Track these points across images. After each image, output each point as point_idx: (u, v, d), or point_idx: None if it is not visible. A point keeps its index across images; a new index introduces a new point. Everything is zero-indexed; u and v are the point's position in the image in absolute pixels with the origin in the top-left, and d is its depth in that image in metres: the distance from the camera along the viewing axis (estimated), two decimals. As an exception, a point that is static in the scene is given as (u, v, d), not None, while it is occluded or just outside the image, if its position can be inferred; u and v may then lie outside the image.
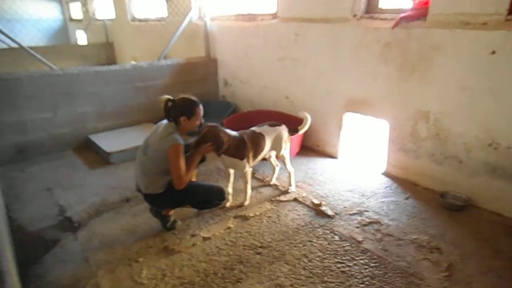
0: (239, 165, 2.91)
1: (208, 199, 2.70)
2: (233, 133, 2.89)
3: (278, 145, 3.14)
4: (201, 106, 2.58)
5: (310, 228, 2.75)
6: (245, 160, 2.90)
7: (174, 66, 5.26)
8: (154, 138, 2.53)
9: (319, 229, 2.73)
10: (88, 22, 10.19)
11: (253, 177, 3.61)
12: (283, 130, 3.16)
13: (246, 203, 3.07)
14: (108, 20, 9.06)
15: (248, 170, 2.98)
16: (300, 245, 2.55)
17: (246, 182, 3.03)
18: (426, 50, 3.05)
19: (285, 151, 3.20)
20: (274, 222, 2.84)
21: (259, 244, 2.56)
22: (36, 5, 11.34)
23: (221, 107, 5.36)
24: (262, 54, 4.72)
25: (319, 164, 3.92)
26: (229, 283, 2.21)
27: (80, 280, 2.25)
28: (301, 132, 3.28)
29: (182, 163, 2.46)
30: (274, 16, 4.50)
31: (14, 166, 4.00)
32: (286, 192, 3.28)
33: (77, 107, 4.49)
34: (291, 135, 3.25)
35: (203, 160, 2.82)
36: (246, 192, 3.07)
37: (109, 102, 4.76)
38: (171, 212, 2.78)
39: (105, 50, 9.50)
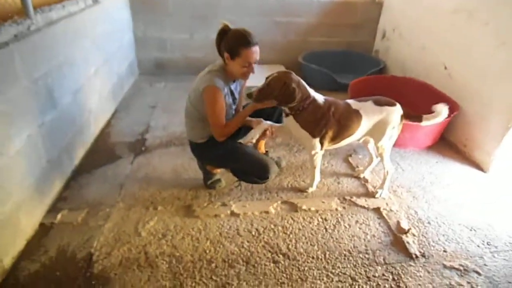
0: (306, 142, 2.17)
1: (249, 172, 2.16)
2: (317, 95, 2.13)
3: (380, 132, 2.17)
4: (254, 49, 1.92)
5: (367, 259, 1.90)
6: (317, 138, 2.14)
7: (326, 3, 4.45)
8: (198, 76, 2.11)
9: (379, 267, 1.85)
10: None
11: (346, 160, 2.79)
12: (394, 112, 2.15)
13: (310, 190, 2.38)
14: None
15: (319, 153, 2.21)
16: (335, 279, 1.78)
17: (313, 167, 2.29)
18: None
19: (388, 141, 2.23)
20: (325, 228, 2.09)
21: (284, 250, 1.93)
22: None
23: (366, 62, 4.39)
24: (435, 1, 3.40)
25: (451, 172, 2.71)
26: (213, 281, 1.73)
27: (100, 205, 2.20)
28: (424, 123, 2.21)
29: (219, 108, 1.97)
30: None
31: (150, 78, 4.34)
32: (371, 195, 2.39)
33: (211, 33, 4.32)
34: (408, 120, 2.23)
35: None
36: (313, 178, 2.35)
37: (248, 33, 4.48)
38: (217, 170, 2.40)
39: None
